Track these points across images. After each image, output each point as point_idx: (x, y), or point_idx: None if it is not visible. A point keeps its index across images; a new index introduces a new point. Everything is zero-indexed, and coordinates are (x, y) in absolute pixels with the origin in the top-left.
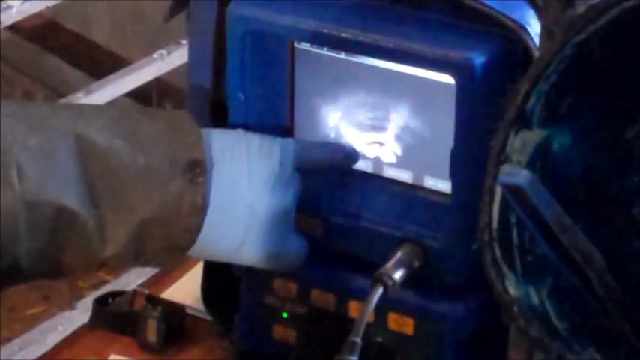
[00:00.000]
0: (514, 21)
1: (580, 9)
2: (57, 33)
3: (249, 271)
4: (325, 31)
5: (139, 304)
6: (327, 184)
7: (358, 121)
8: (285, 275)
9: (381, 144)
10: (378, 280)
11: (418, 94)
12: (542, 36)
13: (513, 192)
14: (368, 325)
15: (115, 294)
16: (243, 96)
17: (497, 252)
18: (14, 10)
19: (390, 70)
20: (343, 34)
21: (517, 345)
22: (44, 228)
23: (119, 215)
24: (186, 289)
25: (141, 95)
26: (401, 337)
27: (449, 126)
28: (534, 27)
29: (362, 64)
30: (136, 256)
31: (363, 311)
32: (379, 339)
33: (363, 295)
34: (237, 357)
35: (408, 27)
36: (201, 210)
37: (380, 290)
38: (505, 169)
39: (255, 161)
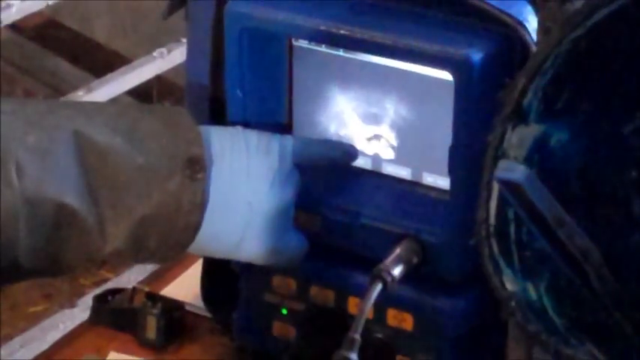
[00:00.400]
0: (512, 17)
1: (577, 4)
2: (57, 31)
3: (248, 267)
4: (323, 28)
5: (139, 301)
6: (325, 180)
7: (356, 118)
8: (285, 272)
9: (380, 140)
10: (377, 277)
11: (416, 90)
12: (539, 31)
13: (510, 187)
14: (367, 321)
15: (114, 291)
16: (241, 93)
17: (495, 247)
18: (14, 8)
19: (388, 67)
20: (341, 31)
21: (516, 340)
22: (44, 225)
23: (119, 212)
24: (185, 286)
25: (141, 93)
26: (400, 332)
27: (447, 122)
28: (532, 23)
29: (360, 60)
30: (135, 252)
31: (362, 307)
32: (378, 335)
33: (362, 292)
34: (236, 354)
35: (406, 24)
36: (200, 206)
37: (379, 286)
38: (502, 164)
39: (254, 158)
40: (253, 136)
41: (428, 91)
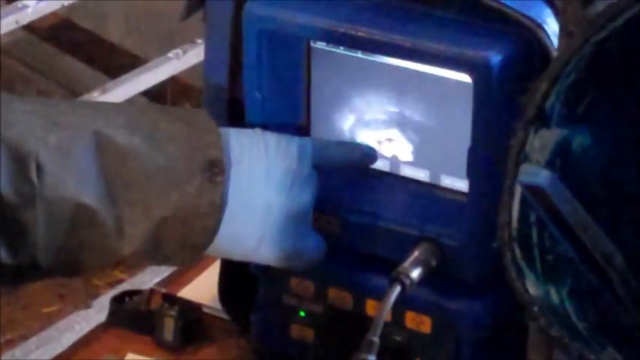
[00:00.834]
0: (531, 19)
1: (599, 7)
2: (72, 32)
3: (266, 270)
4: (341, 30)
5: (156, 303)
6: (344, 182)
7: (374, 120)
8: (303, 274)
9: (398, 143)
10: (396, 279)
11: (435, 92)
12: (561, 34)
13: (534, 192)
14: (385, 324)
15: (131, 293)
16: (259, 95)
17: (517, 251)
18: (30, 9)
19: (406, 69)
20: (359, 33)
21: (536, 344)
22: (62, 225)
23: (137, 213)
24: (203, 288)
25: (155, 94)
26: (418, 335)
27: (466, 125)
28: (551, 25)
29: (378, 62)
30: (153, 254)
31: (380, 310)
32: (397, 338)
33: (380, 294)
34: (254, 356)
35: (424, 25)
36: (219, 209)
37: (397, 289)
38: (525, 168)
39: (273, 160)
40: (272, 139)
41: (446, 94)
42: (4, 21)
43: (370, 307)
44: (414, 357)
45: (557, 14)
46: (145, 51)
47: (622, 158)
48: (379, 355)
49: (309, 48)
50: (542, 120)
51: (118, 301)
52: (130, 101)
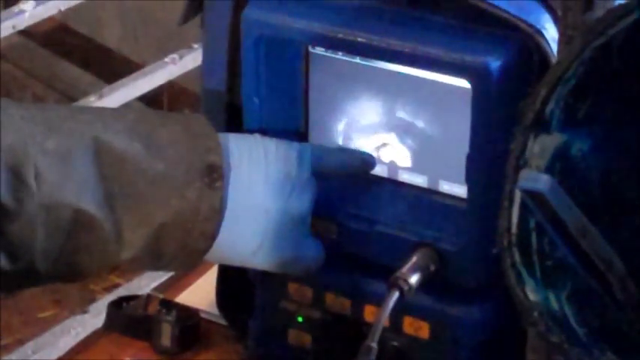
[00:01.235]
0: (530, 25)
1: (598, 13)
2: (68, 37)
3: (264, 275)
4: (340, 35)
5: (153, 308)
6: (342, 188)
7: (373, 126)
8: (300, 279)
9: (396, 148)
10: (394, 285)
11: (433, 98)
12: (560, 40)
13: (534, 197)
14: (383, 329)
15: (128, 298)
16: (258, 100)
17: (517, 257)
18: (26, 14)
19: (405, 75)
20: (358, 39)
21: (535, 350)
22: (61, 231)
23: (136, 219)
24: (200, 293)
25: (152, 99)
26: (416, 341)
27: (464, 130)
28: (550, 31)
29: (377, 68)
30: (152, 260)
31: (379, 316)
32: (395, 343)
33: (378, 300)
34: None
35: (423, 31)
36: (218, 214)
37: (396, 295)
38: (525, 174)
39: (272, 165)
40: (271, 144)
41: (445, 99)
42: (1, 26)
43: (368, 312)
44: None
45: (557, 20)
46: (142, 56)
47: (621, 163)
48: None
49: (307, 53)
50: (541, 125)
51: (115, 306)
52: (127, 106)
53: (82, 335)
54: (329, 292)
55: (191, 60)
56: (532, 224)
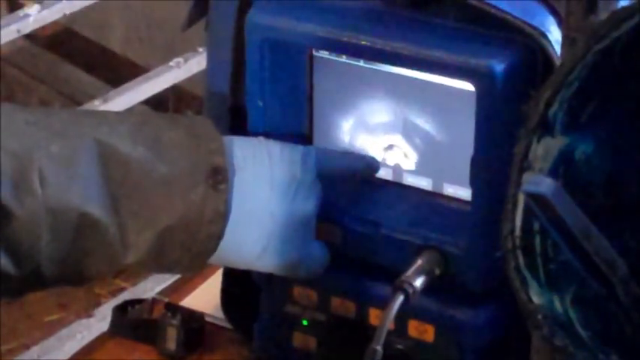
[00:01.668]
0: (534, 28)
1: (602, 16)
2: (73, 41)
3: (268, 278)
4: (344, 38)
5: (158, 312)
6: (346, 191)
7: (377, 129)
8: (305, 283)
9: (401, 151)
10: (399, 288)
11: (438, 101)
12: (564, 43)
13: (538, 200)
14: (388, 332)
15: (134, 302)
16: (261, 103)
17: (521, 260)
18: (31, 18)
19: (409, 78)
20: (362, 42)
21: (540, 353)
22: (66, 234)
23: (141, 222)
24: (205, 297)
25: (156, 102)
26: (421, 344)
27: (469, 133)
28: (554, 34)
29: (381, 71)
30: (157, 262)
31: (384, 319)
32: (400, 346)
33: (383, 303)
34: None
35: (427, 34)
36: (223, 217)
37: (401, 298)
38: (529, 177)
39: (277, 168)
40: (276, 147)
41: (449, 102)
42: (6, 30)
43: (373, 315)
44: None
45: (560, 23)
46: (147, 59)
47: (625, 166)
48: None
49: (311, 57)
50: (545, 128)
51: (120, 310)
52: (131, 109)
53: (88, 339)
54: (334, 296)
55: (196, 64)
56: (536, 227)
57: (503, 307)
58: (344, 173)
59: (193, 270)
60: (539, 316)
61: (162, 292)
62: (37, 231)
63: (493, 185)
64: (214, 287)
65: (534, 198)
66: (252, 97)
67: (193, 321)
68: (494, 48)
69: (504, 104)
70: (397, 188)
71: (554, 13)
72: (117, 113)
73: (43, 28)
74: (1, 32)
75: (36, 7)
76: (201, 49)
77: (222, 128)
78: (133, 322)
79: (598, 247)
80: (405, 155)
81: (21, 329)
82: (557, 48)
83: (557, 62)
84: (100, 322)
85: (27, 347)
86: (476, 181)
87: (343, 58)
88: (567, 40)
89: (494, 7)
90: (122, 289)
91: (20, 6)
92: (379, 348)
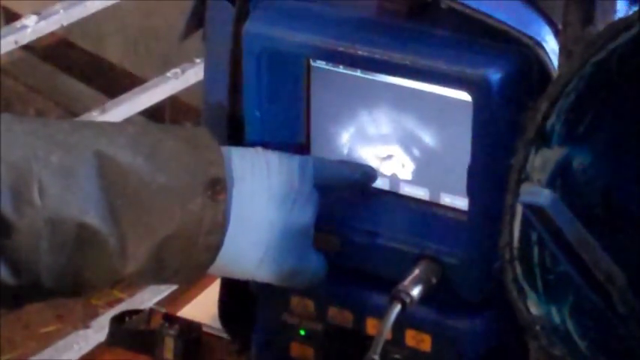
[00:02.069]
0: (530, 37)
1: (599, 27)
2: (69, 51)
3: (266, 288)
4: (341, 48)
5: (156, 322)
6: (343, 201)
7: (374, 139)
8: (302, 292)
9: (398, 161)
10: (396, 298)
11: (434, 111)
12: (560, 54)
13: (535, 212)
14: (385, 342)
15: (131, 312)
16: (259, 113)
17: (519, 271)
18: (29, 30)
19: (406, 88)
20: (359, 52)
21: None
22: (65, 245)
23: (140, 232)
24: (203, 307)
25: (154, 113)
26: (418, 353)
27: (465, 143)
28: (550, 43)
29: (378, 81)
30: (156, 273)
31: (381, 329)
32: (397, 356)
33: (380, 313)
34: None
35: (423, 44)
36: (221, 227)
37: (398, 307)
38: (527, 188)
39: (275, 179)
40: (274, 157)
41: (446, 112)
42: (3, 41)
43: (370, 325)
44: None
45: (557, 33)
46: (144, 70)
47: (622, 177)
48: None
49: (308, 67)
50: (542, 139)
51: (117, 320)
52: (129, 120)
53: (85, 350)
54: (331, 305)
55: (193, 74)
56: (534, 238)
57: (501, 317)
58: (341, 183)
59: (192, 280)
60: (537, 327)
61: (159, 303)
62: (36, 242)
63: (490, 195)
64: (212, 297)
65: (532, 209)
66: (250, 107)
67: (191, 331)
68: (491, 58)
69: (501, 114)
70: (394, 198)
71: (550, 22)
72: (116, 124)
73: (40, 39)
74: None
75: (33, 18)
76: (198, 60)
77: (220, 138)
78: (130, 333)
79: (595, 257)
80: (402, 165)
81: (18, 340)
82: (553, 57)
83: (553, 72)
84: (97, 333)
85: (24, 358)
86: (473, 191)
87: (340, 68)
88: (564, 52)
89: (491, 16)
90: (119, 300)
91: (17, 17)
92: (376, 357)
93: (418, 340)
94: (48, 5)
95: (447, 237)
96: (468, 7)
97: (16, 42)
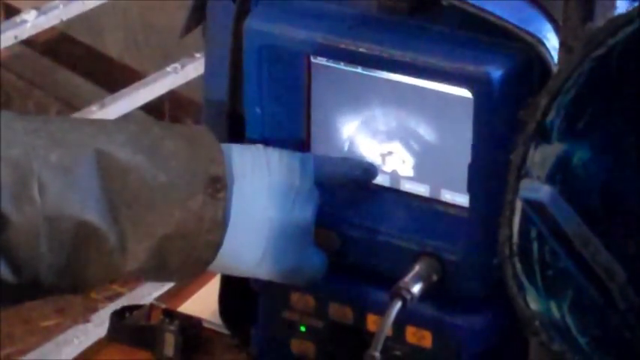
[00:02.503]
0: (531, 34)
1: (599, 23)
2: (69, 46)
3: (266, 284)
4: (341, 45)
5: (156, 317)
6: (343, 198)
7: (375, 135)
8: (303, 289)
9: (398, 157)
10: (397, 294)
11: (435, 107)
12: (561, 50)
13: (535, 207)
14: (386, 338)
15: (131, 308)
16: (260, 110)
17: (518, 266)
18: (28, 24)
19: (406, 84)
20: (360, 49)
21: (537, 359)
22: (65, 243)
23: (140, 230)
24: (203, 303)
25: (153, 108)
26: (419, 350)
27: (466, 139)
28: (551, 40)
29: (378, 78)
30: (156, 271)
31: (381, 325)
32: (397, 353)
33: (380, 309)
34: None
35: (424, 41)
36: (221, 225)
37: (398, 304)
38: (526, 184)
39: (275, 176)
40: (274, 154)
41: (447, 109)
42: (3, 36)
43: (371, 322)
44: None
45: (558, 29)
46: (144, 65)
47: (622, 173)
48: None
49: (309, 63)
50: (542, 135)
51: (118, 315)
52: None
53: (85, 345)
54: (332, 302)
55: (193, 69)
56: (533, 234)
57: (501, 313)
58: (342, 179)
59: (192, 278)
60: (537, 323)
61: (159, 298)
62: (36, 239)
63: (490, 191)
64: (212, 293)
65: (532, 205)
66: (250, 103)
67: (191, 327)
68: (492, 54)
69: (502, 110)
70: (395, 195)
71: (551, 19)
72: (116, 121)
73: (40, 33)
74: None
75: (33, 12)
76: (198, 55)
77: (220, 135)
78: (130, 328)
79: (595, 253)
80: (403, 161)
81: (18, 335)
82: (554, 55)
83: (554, 69)
84: (97, 327)
85: (24, 353)
86: (473, 188)
87: (341, 65)
88: (564, 47)
89: (492, 13)
90: (119, 295)
91: (17, 12)
92: (377, 354)
93: (419, 336)
94: (47, 0)
95: (448, 234)
96: (469, 3)
97: (15, 37)
